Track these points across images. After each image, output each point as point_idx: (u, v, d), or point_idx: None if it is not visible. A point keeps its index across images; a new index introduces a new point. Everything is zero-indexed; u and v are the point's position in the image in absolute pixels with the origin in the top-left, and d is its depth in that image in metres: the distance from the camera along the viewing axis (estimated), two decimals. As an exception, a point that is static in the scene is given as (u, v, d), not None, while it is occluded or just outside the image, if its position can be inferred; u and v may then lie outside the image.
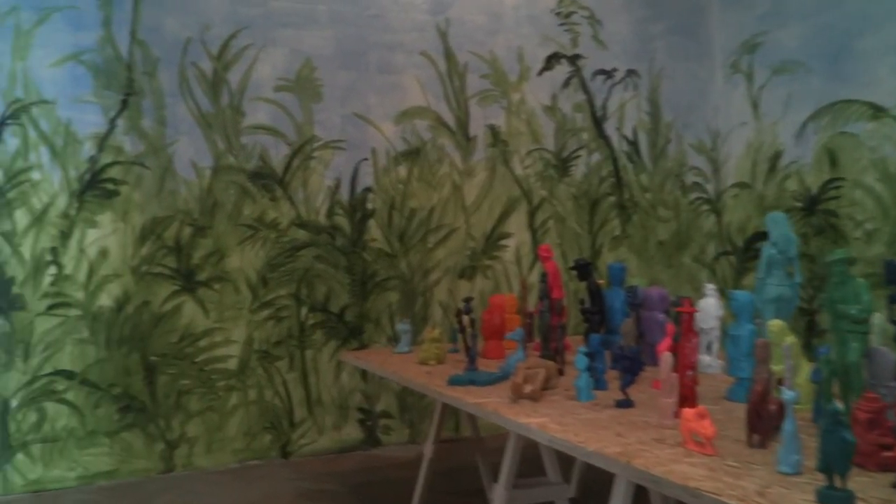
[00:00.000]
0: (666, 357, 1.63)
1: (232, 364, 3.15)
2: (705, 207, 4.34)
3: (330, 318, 3.34)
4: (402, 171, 3.52)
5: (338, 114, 3.40)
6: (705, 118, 4.31)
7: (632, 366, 1.81)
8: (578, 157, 3.96)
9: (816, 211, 3.74)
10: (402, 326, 2.77)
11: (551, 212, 3.88)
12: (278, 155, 3.28)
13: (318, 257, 3.33)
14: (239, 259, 3.19)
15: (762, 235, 4.10)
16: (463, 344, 2.48)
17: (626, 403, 1.84)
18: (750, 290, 2.40)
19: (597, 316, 2.36)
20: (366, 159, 3.45)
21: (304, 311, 3.29)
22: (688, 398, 1.72)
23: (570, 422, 1.73)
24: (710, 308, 2.21)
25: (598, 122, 4.01)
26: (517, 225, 3.79)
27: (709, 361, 2.18)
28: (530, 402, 1.90)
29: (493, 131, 3.72)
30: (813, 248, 3.74)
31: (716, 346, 2.25)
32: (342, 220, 3.39)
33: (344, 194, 3.40)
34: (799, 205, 3.83)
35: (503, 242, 3.75)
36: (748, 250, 4.13)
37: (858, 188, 3.54)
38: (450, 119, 3.62)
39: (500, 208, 3.75)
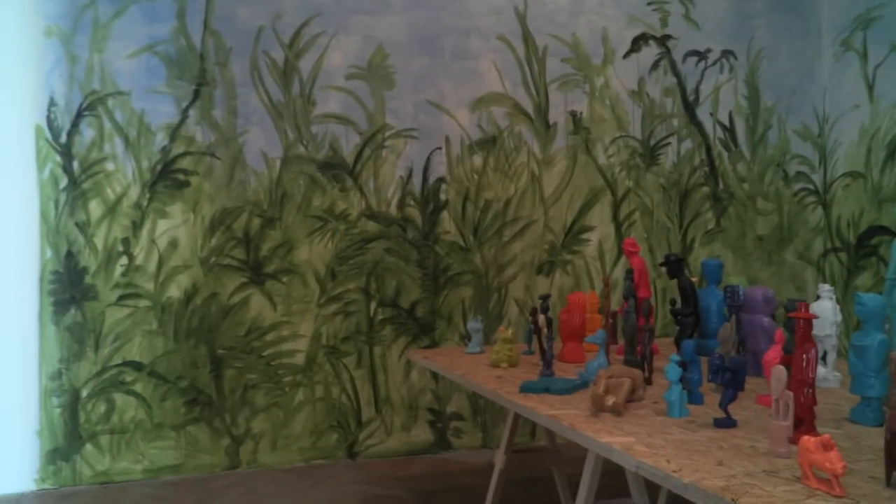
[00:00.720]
0: (779, 371, 1.38)
1: (299, 359, 3.05)
2: (811, 199, 3.95)
3: (400, 314, 3.20)
4: (478, 160, 3.34)
5: (410, 101, 3.25)
6: (812, 101, 3.92)
7: (735, 379, 1.56)
8: (668, 144, 3.67)
9: (943, 203, 3.32)
10: (474, 325, 2.59)
11: (637, 203, 3.61)
12: (349, 144, 3.16)
13: (388, 250, 3.19)
14: (307, 251, 3.09)
15: (879, 230, 3.69)
16: (538, 346, 2.27)
17: (727, 423, 1.60)
18: (867, 291, 2.12)
19: (690, 318, 2.11)
20: (439, 148, 3.28)
21: (373, 305, 3.16)
22: (805, 421, 1.46)
23: (660, 443, 1.50)
24: (825, 312, 1.92)
25: (689, 107, 3.70)
26: (600, 217, 3.55)
27: (824, 374, 1.90)
28: (613, 417, 1.69)
29: (575, 118, 3.48)
30: (938, 246, 3.32)
31: (832, 357, 1.96)
32: (414, 212, 3.24)
33: (416, 185, 3.25)
34: (922, 196, 3.42)
35: (584, 236, 3.52)
36: (861, 247, 3.73)
37: None
38: (528, 106, 3.41)
39: (581, 200, 3.51)
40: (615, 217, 3.58)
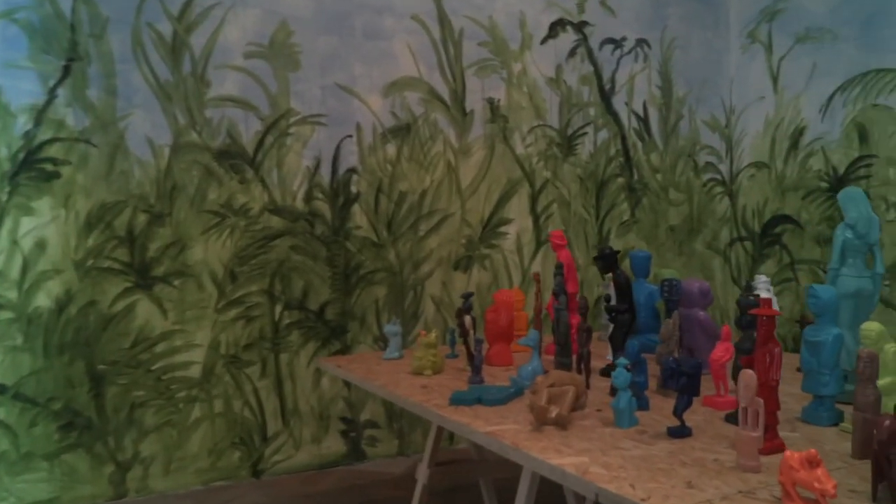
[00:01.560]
0: (748, 377, 1.25)
1: (194, 371, 2.73)
2: (719, 190, 3.99)
3: (308, 317, 2.93)
4: (391, 149, 3.11)
5: (318, 84, 2.98)
6: (720, 92, 3.95)
7: (691, 384, 1.44)
8: (584, 134, 3.58)
9: (846, 193, 3.40)
10: (391, 328, 2.38)
11: (555, 195, 3.50)
12: (249, 131, 2.85)
13: (294, 248, 2.91)
14: (203, 251, 2.76)
15: (782, 219, 3.76)
16: (465, 350, 2.09)
17: (681, 431, 1.48)
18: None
19: (626, 315, 1.98)
20: (350, 136, 3.03)
21: (278, 309, 2.88)
22: (770, 427, 1.35)
23: (617, 462, 1.36)
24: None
25: (605, 96, 3.62)
26: (518, 210, 3.41)
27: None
28: (558, 430, 1.53)
29: (492, 105, 3.32)
30: (842, 235, 3.40)
31: None
32: (322, 206, 2.97)
33: (324, 176, 2.98)
34: (824, 185, 3.49)
35: (503, 229, 3.37)
36: (765, 236, 3.79)
37: (892, 166, 3.20)
38: (444, 91, 3.22)
39: (499, 191, 3.36)
40: (533, 209, 3.45)
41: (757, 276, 1.97)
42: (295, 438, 2.90)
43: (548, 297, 2.50)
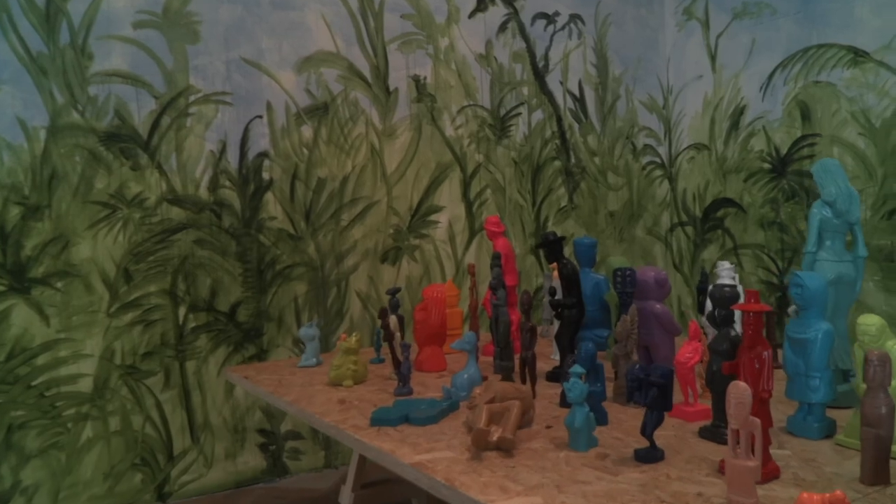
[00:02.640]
0: (741, 392, 1.02)
1: (84, 386, 2.39)
2: (658, 173, 3.84)
3: (218, 319, 2.62)
4: (307, 132, 2.82)
5: (221, 59, 2.66)
6: (657, 71, 3.80)
7: (662, 398, 1.21)
8: (518, 115, 3.36)
9: (787, 173, 3.29)
10: (307, 331, 2.10)
11: (489, 180, 3.27)
12: (141, 111, 2.52)
13: (199, 242, 2.60)
14: (90, 248, 2.42)
15: (724, 202, 3.63)
16: (391, 355, 1.83)
17: (652, 455, 1.24)
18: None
19: (574, 310, 1.76)
20: (259, 117, 2.72)
21: (182, 311, 2.56)
22: (765, 450, 1.13)
23: (577, 501, 1.12)
24: (726, 297, 1.65)
25: (539, 74, 3.41)
26: (449, 196, 3.16)
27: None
28: (502, 457, 1.28)
29: (418, 83, 3.06)
30: (784, 216, 3.29)
31: None
32: (230, 195, 2.66)
33: (232, 161, 2.67)
34: (766, 166, 3.37)
35: (433, 218, 3.12)
36: (707, 220, 3.66)
37: (836, 145, 3.10)
38: (365, 68, 2.94)
39: (428, 177, 3.11)
40: (465, 195, 3.21)
41: (720, 263, 1.78)
42: (206, 455, 2.59)
43: (484, 291, 2.26)
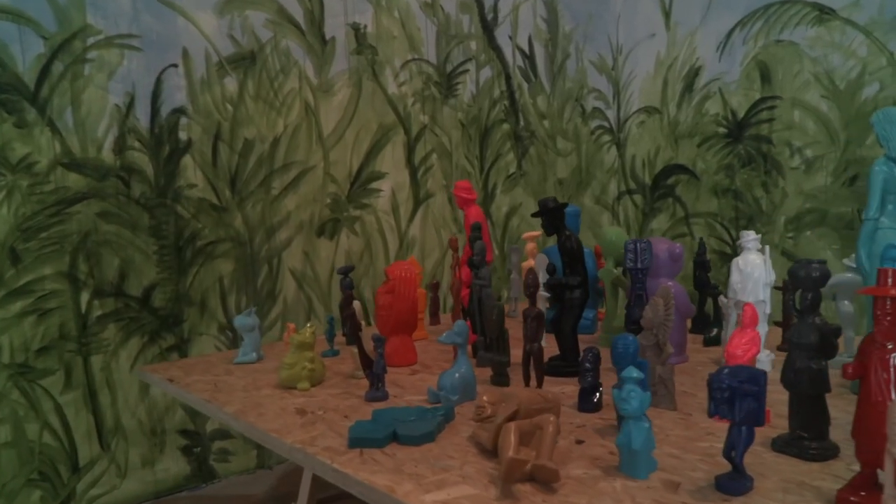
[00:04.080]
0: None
1: (-37, 391, 1.97)
2: (607, 139, 3.64)
3: (128, 306, 2.23)
4: (231, 84, 2.43)
5: (124, -4, 2.23)
6: (606, 29, 3.57)
7: (757, 411, 0.96)
8: (466, 72, 3.06)
9: (744, 138, 3.15)
10: (245, 320, 1.77)
11: (435, 143, 2.97)
12: (26, 55, 2.07)
13: (104, 215, 2.19)
14: (-36, 222, 1.98)
15: (676, 169, 3.48)
16: (358, 353, 1.53)
17: (741, 485, 0.98)
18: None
19: (579, 292, 1.51)
20: (174, 66, 2.31)
21: (85, 297, 2.16)
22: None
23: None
24: (754, 270, 1.43)
25: (487, 27, 3.12)
26: (392, 162, 2.85)
27: (762, 357, 1.41)
28: (542, 490, 1.01)
29: (357, 33, 2.71)
30: (739, 183, 3.16)
31: (765, 330, 1.48)
32: (140, 158, 2.25)
33: (142, 119, 2.26)
34: (722, 131, 3.22)
35: (375, 185, 2.80)
36: (657, 188, 3.50)
37: (797, 108, 2.97)
38: (297, 12, 2.56)
39: (369, 139, 2.78)
40: (410, 160, 2.90)
41: (744, 233, 1.56)
42: (119, 464, 2.22)
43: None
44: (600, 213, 3.64)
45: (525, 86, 3.26)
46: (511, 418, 1.04)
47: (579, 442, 1.15)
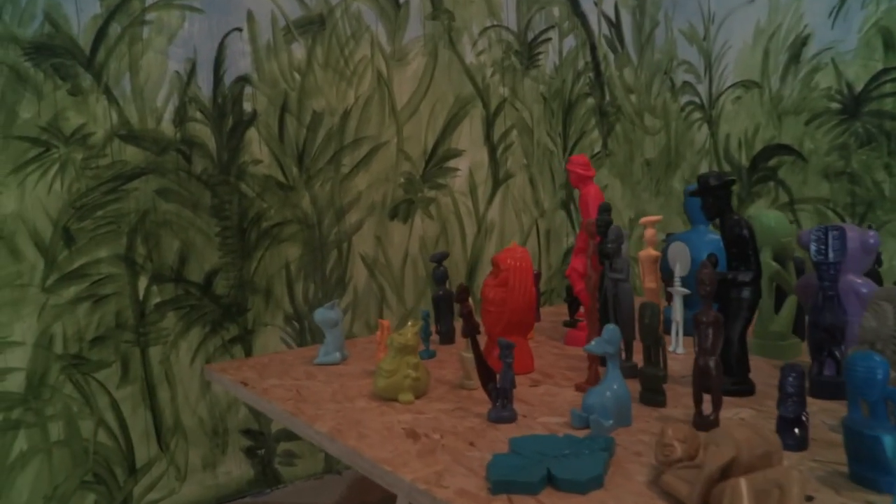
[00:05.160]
0: None
1: (14, 383, 1.80)
2: (697, 116, 3.32)
3: (189, 293, 2.04)
4: (299, 51, 2.21)
5: (185, -46, 2.02)
6: (700, -5, 3.25)
7: None
8: (548, 40, 2.79)
9: (862, 114, 2.80)
10: (327, 313, 1.55)
11: (515, 118, 2.71)
12: (82, 16, 1.87)
13: (163, 192, 1.99)
14: (16, 199, 1.80)
15: (778, 149, 3.15)
16: (477, 363, 1.26)
17: None
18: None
19: (750, 291, 1.24)
20: (238, 30, 2.10)
21: (143, 282, 1.97)
22: None
23: None
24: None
25: (573, -9, 2.84)
26: (470, 138, 2.60)
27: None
28: None
29: (434, -5, 2.46)
30: (856, 164, 2.82)
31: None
32: (203, 131, 2.05)
33: (204, 87, 2.05)
34: (835, 107, 2.88)
35: (451, 164, 2.55)
36: (755, 170, 3.17)
37: (928, 81, 2.62)
38: (369, -28, 2.32)
39: (445, 113, 2.53)
40: (488, 137, 2.65)
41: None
42: (178, 466, 2.03)
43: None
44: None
45: (611, 56, 2.97)
46: (728, 468, 0.78)
47: (809, 499, 0.87)
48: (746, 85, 3.18)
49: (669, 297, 1.67)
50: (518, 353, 1.33)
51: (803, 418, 1.02)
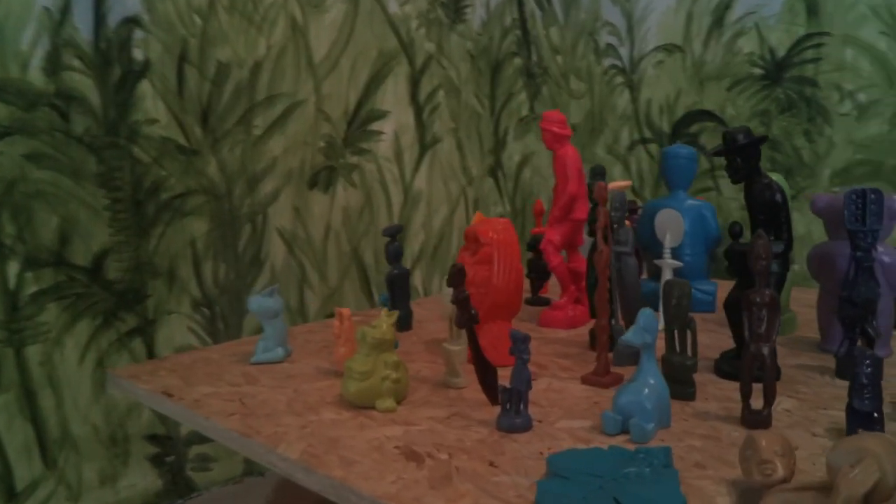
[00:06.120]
0: None
1: None
2: (619, 80, 3.23)
3: (74, 279, 1.69)
4: (199, -10, 1.88)
5: None
6: (624, -48, 3.13)
7: None
8: (476, -7, 2.57)
9: (784, 80, 2.79)
10: (264, 302, 1.28)
11: (441, 77, 2.49)
12: (-85, -69, 1.47)
13: (35, 157, 1.63)
14: None
15: (700, 115, 3.10)
16: (475, 359, 1.05)
17: None
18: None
19: (776, 263, 1.09)
20: (123, -39, 1.75)
21: (12, 268, 1.61)
22: None
23: None
24: None
25: (500, -61, 2.63)
26: (395, 98, 2.35)
27: None
28: None
29: (355, -67, 2.18)
30: (777, 130, 2.81)
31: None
32: (82, 82, 1.69)
33: (82, 28, 1.69)
34: (757, 72, 2.86)
35: (375, 126, 2.30)
36: (677, 136, 3.12)
37: (850, 46, 2.62)
38: None
39: (367, 69, 2.27)
40: (414, 97, 2.41)
41: None
42: (69, 484, 1.70)
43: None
44: (612, 165, 3.24)
45: (538, 14, 2.80)
46: (870, 495, 0.62)
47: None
48: (669, 49, 3.10)
49: (650, 271, 1.53)
50: (502, 340, 1.14)
51: (878, 412, 0.89)
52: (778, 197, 1.13)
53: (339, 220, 2.22)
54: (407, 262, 2.40)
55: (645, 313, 0.95)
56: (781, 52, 2.77)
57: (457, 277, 1.01)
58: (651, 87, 3.18)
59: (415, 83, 2.40)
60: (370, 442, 0.91)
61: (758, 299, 0.95)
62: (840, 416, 0.98)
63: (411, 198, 2.42)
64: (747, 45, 2.87)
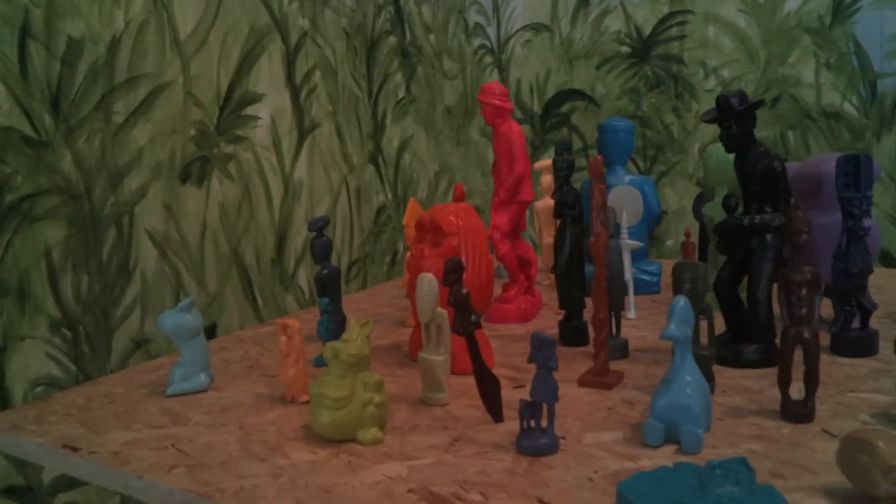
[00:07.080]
0: None
1: None
2: (489, 60, 3.19)
3: None
4: (35, -51, 1.56)
5: None
6: (489, -71, 3.08)
7: None
8: (348, -35, 2.40)
9: (651, 58, 2.88)
10: (181, 319, 1.07)
11: (317, 56, 2.30)
12: None
13: None
14: None
15: (571, 94, 3.13)
16: (476, 372, 0.90)
17: None
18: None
19: (772, 235, 1.04)
20: None
21: None
22: None
23: None
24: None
25: None
26: (269, 79, 2.14)
27: None
28: None
29: None
30: (647, 108, 2.90)
31: None
32: None
33: None
34: (625, 50, 2.93)
35: (251, 111, 2.08)
36: (548, 116, 3.14)
37: (711, 23, 2.75)
38: None
39: (239, 47, 2.04)
40: (290, 78, 2.21)
41: None
42: None
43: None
44: (486, 148, 3.20)
45: (410, -10, 2.68)
46: None
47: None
48: (536, 28, 3.10)
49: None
50: (484, 345, 1.01)
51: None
52: (776, 165, 1.09)
53: (216, 217, 1.98)
54: (289, 262, 2.20)
55: (680, 302, 0.87)
56: (647, 31, 2.85)
57: (454, 273, 0.88)
58: (520, 67, 3.17)
59: (290, 63, 2.19)
60: (373, 487, 0.74)
61: (798, 278, 0.89)
62: (872, 397, 0.95)
63: (292, 189, 2.22)
64: (614, 23, 2.93)
